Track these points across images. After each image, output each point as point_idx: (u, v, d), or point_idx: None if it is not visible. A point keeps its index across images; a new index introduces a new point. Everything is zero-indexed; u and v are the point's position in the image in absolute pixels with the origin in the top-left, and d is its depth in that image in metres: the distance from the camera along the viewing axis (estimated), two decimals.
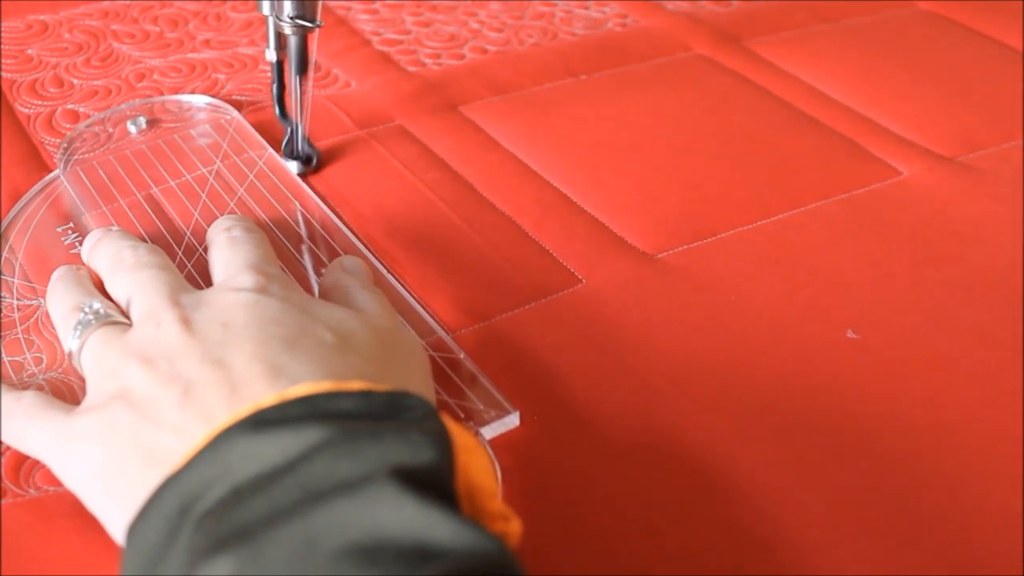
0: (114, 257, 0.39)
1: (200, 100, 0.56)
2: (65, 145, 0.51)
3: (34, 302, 0.42)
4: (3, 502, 0.35)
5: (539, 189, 0.51)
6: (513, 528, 0.29)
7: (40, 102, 0.56)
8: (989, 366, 0.41)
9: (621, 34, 0.66)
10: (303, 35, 0.47)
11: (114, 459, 0.31)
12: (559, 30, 0.66)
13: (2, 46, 0.60)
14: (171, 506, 0.28)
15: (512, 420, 0.37)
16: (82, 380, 0.36)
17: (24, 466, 0.36)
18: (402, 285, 0.43)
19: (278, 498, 0.26)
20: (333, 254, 0.44)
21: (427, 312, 0.42)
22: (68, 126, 0.54)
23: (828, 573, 0.33)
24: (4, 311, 0.42)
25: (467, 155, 0.53)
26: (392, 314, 0.38)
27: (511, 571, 0.25)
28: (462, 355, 0.40)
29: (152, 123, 0.53)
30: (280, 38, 0.48)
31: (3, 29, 0.62)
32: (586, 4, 0.69)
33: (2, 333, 0.41)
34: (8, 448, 0.36)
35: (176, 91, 0.57)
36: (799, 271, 0.46)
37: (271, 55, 0.49)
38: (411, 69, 0.61)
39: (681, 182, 0.52)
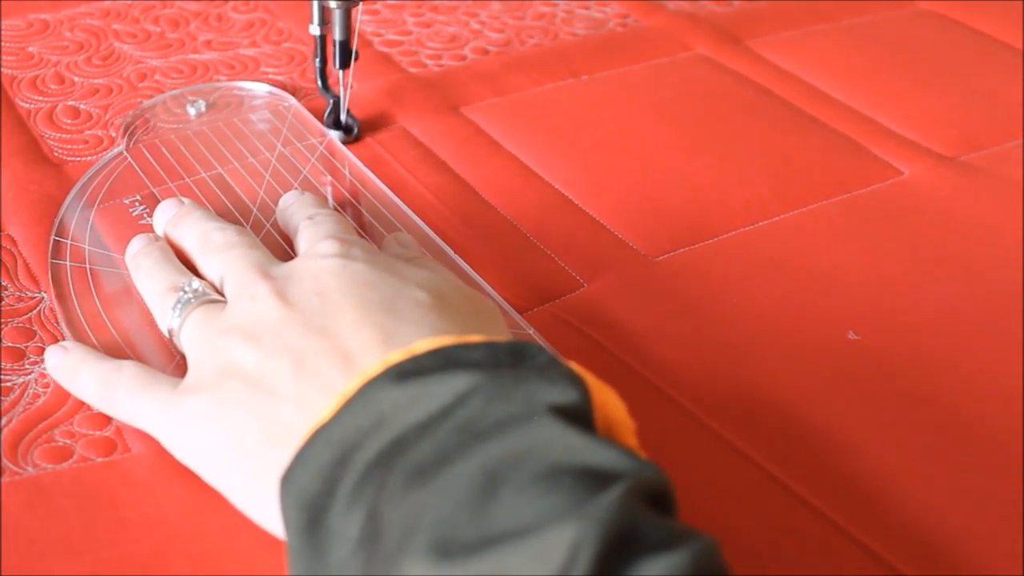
0: (203, 239, 0.40)
1: (260, 87, 0.57)
2: (127, 123, 0.53)
3: (37, 295, 0.43)
4: (2, 480, 0.35)
5: (540, 191, 0.51)
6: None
7: (41, 98, 0.56)
8: (991, 365, 0.41)
9: (622, 34, 0.66)
10: (347, 10, 0.50)
11: (234, 435, 0.32)
12: (560, 30, 0.66)
13: (3, 43, 0.60)
14: (327, 456, 0.29)
15: None
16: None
17: (22, 444, 0.36)
18: (467, 264, 0.44)
19: (444, 440, 0.27)
20: None
21: (494, 291, 0.43)
22: (69, 121, 0.54)
23: None
24: (6, 301, 0.42)
25: (468, 157, 0.53)
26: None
27: (669, 490, 0.27)
28: (531, 330, 0.41)
29: (211, 107, 0.54)
30: (324, 13, 0.51)
31: (4, 27, 0.62)
32: (587, 4, 0.69)
33: (3, 321, 0.41)
34: (6, 426, 0.37)
35: None
36: (800, 272, 0.46)
37: (315, 30, 0.52)
38: (412, 70, 0.61)
39: (682, 183, 0.52)
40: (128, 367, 0.36)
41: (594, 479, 0.25)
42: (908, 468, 0.37)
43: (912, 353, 0.42)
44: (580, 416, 0.28)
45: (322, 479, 0.29)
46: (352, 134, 0.54)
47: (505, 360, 0.30)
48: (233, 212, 0.47)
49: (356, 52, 0.52)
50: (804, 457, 0.37)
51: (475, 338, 0.31)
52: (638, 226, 0.49)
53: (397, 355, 0.30)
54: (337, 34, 0.51)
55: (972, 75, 0.63)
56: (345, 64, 0.52)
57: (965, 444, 0.38)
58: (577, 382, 0.29)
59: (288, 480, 0.29)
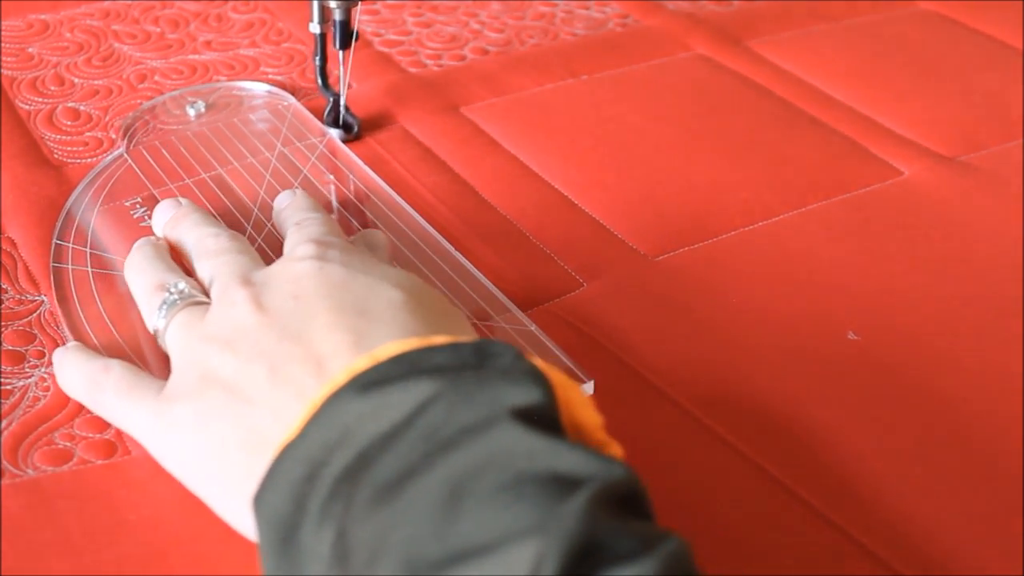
0: (197, 243, 0.40)
1: (260, 87, 0.57)
2: (127, 125, 0.53)
3: (38, 298, 0.43)
4: (2, 482, 0.35)
5: (540, 191, 0.51)
6: (618, 453, 0.30)
7: (41, 99, 0.56)
8: (991, 365, 0.41)
9: (622, 34, 0.66)
10: (347, 9, 0.51)
11: (214, 443, 0.32)
12: (560, 30, 0.66)
13: (2, 44, 0.60)
14: (295, 473, 0.29)
15: (587, 389, 0.38)
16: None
17: (22, 446, 0.36)
18: (469, 262, 0.44)
19: (407, 453, 0.27)
20: (399, 233, 0.46)
21: (495, 288, 0.43)
22: (69, 123, 0.54)
23: None
24: (6, 304, 0.42)
25: (468, 157, 0.53)
26: None
27: (639, 488, 0.27)
28: (533, 327, 0.41)
29: (210, 107, 0.55)
30: (324, 11, 0.52)
31: (4, 27, 0.62)
32: (587, 4, 0.69)
33: (3, 324, 0.41)
34: (6, 429, 0.37)
35: None
36: (800, 272, 0.46)
37: (315, 28, 0.52)
38: (412, 70, 0.61)
39: (682, 183, 0.52)
40: (115, 368, 0.36)
41: (558, 486, 0.25)
42: (908, 467, 0.37)
43: (912, 353, 0.42)
44: (544, 416, 0.28)
45: (292, 497, 0.28)
46: (352, 132, 0.54)
47: (470, 361, 0.30)
48: (234, 212, 0.47)
49: (357, 33, 0.51)
50: (803, 457, 0.37)
51: (440, 340, 0.31)
52: (637, 226, 0.49)
53: (362, 362, 0.30)
54: (336, 15, 0.51)
55: (972, 75, 0.63)
56: (345, 44, 0.51)
57: (965, 444, 0.38)
58: (541, 381, 0.29)
59: (259, 499, 0.29)
